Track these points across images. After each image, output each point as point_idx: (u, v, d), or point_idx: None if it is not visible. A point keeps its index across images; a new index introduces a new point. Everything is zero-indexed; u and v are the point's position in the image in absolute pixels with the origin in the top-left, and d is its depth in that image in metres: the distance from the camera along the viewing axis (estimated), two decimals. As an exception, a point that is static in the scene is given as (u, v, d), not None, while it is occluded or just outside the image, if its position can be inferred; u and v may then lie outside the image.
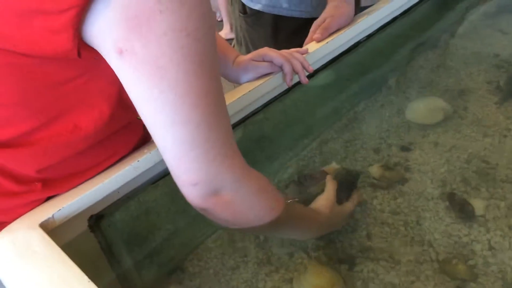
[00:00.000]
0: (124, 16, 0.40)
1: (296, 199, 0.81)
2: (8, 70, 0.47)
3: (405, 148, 1.00)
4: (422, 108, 1.10)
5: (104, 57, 0.44)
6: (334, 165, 0.92)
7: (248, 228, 0.60)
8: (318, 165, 0.98)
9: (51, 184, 0.59)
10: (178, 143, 0.47)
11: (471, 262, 0.76)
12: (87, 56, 0.44)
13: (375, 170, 0.93)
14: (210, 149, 0.48)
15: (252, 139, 0.96)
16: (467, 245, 0.79)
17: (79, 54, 0.44)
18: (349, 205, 0.80)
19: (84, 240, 0.66)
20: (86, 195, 0.63)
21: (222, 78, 0.89)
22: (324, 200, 0.75)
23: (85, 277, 0.52)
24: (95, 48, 0.44)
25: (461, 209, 0.84)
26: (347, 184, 0.86)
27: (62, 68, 0.48)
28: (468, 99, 1.15)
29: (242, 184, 0.53)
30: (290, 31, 1.24)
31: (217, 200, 0.52)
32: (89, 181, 0.64)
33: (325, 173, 0.87)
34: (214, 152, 0.48)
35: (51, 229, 0.60)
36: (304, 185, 0.86)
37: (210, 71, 0.45)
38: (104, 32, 0.41)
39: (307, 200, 0.78)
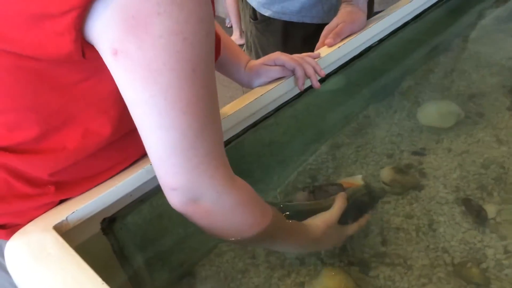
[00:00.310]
0: (121, 17, 0.40)
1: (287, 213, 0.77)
2: (17, 74, 0.47)
3: (417, 153, 0.99)
4: (435, 112, 1.09)
5: (102, 57, 0.44)
6: (358, 180, 0.85)
7: (229, 240, 0.61)
8: (331, 171, 0.97)
9: (64, 187, 0.60)
10: (161, 147, 0.47)
11: (483, 266, 0.75)
12: (92, 57, 0.44)
13: (387, 174, 0.92)
14: (193, 157, 0.47)
15: (264, 143, 0.96)
16: (480, 250, 0.78)
17: (83, 55, 0.43)
18: (352, 228, 0.76)
19: (96, 242, 0.66)
20: (99, 198, 0.63)
21: (233, 83, 0.89)
22: (325, 218, 0.71)
23: (99, 279, 0.52)
24: (96, 49, 0.44)
25: (477, 214, 0.83)
26: (363, 205, 0.82)
27: (69, 71, 0.48)
28: (480, 103, 1.13)
29: (222, 196, 0.52)
30: (300, 38, 1.24)
31: (195, 207, 0.52)
32: (102, 184, 0.65)
33: (341, 187, 0.81)
34: (196, 160, 0.48)
35: (65, 232, 0.61)
36: (314, 196, 0.82)
37: (203, 78, 0.45)
38: (102, 32, 0.41)
39: (311, 211, 0.76)
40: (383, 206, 0.88)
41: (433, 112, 1.10)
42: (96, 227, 0.66)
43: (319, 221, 0.71)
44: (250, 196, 0.57)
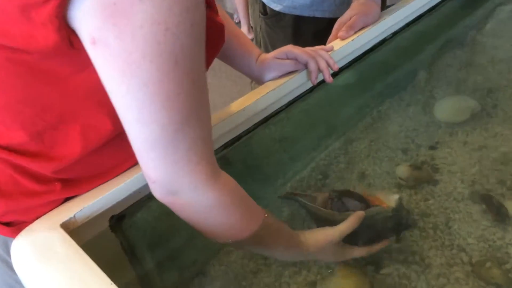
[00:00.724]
0: (101, 3, 0.37)
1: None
2: (8, 68, 0.45)
3: (433, 147, 0.97)
4: (450, 107, 1.07)
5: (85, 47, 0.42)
6: (391, 200, 0.73)
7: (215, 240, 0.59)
8: (343, 166, 0.95)
9: (70, 185, 0.58)
10: (140, 141, 0.45)
11: (507, 266, 0.73)
12: (82, 48, 0.42)
13: (402, 170, 0.90)
14: (172, 153, 0.46)
15: (275, 139, 0.94)
16: (501, 248, 0.75)
17: (72, 46, 0.42)
18: (358, 251, 0.70)
19: (105, 240, 0.65)
20: (108, 195, 0.62)
21: (242, 78, 0.87)
22: (326, 234, 0.66)
23: (107, 279, 0.50)
24: (80, 38, 0.42)
25: (497, 211, 0.80)
26: (384, 230, 0.71)
27: (61, 63, 0.46)
28: (497, 97, 1.10)
29: (199, 194, 0.51)
30: (311, 34, 1.21)
31: (174, 200, 0.51)
32: (111, 181, 0.63)
33: (365, 204, 0.71)
34: (176, 156, 0.46)
35: (72, 229, 0.59)
36: (332, 204, 0.72)
37: (187, 71, 0.42)
38: (82, 20, 0.39)
39: (322, 218, 0.72)
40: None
41: (449, 106, 1.07)
42: (104, 225, 0.64)
43: (320, 236, 0.66)
44: (232, 198, 0.55)
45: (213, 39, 0.53)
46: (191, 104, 0.44)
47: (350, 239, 0.66)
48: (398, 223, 0.71)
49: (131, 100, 0.42)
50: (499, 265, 0.73)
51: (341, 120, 1.06)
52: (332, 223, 0.68)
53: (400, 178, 0.89)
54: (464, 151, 0.95)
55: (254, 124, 0.81)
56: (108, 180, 0.62)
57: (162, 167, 0.47)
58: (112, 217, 0.65)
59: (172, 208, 0.54)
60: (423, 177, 0.89)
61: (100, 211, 0.62)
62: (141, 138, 0.45)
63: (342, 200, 0.70)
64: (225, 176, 0.55)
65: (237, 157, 0.81)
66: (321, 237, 0.66)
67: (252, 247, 0.65)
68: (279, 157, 0.96)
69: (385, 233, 0.71)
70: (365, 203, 0.70)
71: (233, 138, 0.78)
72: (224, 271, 0.80)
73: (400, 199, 0.72)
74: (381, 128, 1.05)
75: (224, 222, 0.56)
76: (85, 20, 0.39)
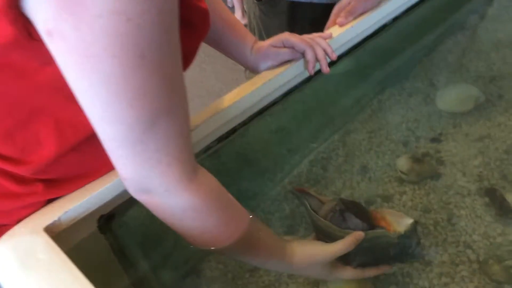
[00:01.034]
0: None
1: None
2: None
3: (435, 140, 0.93)
4: (453, 96, 1.03)
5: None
6: (401, 225, 0.64)
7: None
8: (341, 159, 0.91)
9: (53, 186, 0.55)
10: (107, 139, 0.42)
11: (509, 263, 0.70)
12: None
13: (403, 163, 0.86)
14: (141, 152, 0.42)
15: (271, 131, 0.90)
16: (502, 245, 0.73)
17: (31, 37, 0.38)
18: (352, 273, 0.64)
19: (93, 242, 0.62)
20: (96, 194, 0.58)
21: (239, 65, 0.83)
22: (316, 251, 0.61)
23: None
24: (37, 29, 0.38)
25: (501, 206, 0.77)
26: (384, 256, 0.64)
27: (24, 56, 0.42)
28: (501, 85, 1.07)
29: (173, 196, 0.47)
30: (307, 20, 1.16)
31: (148, 198, 0.48)
32: (97, 181, 0.59)
33: (367, 224, 0.64)
34: (145, 156, 0.43)
35: (57, 233, 0.56)
36: (334, 217, 0.65)
37: (156, 65, 0.38)
38: (37, 10, 0.35)
39: (321, 229, 0.66)
40: (400, 197, 0.82)
41: (452, 96, 1.03)
42: (92, 226, 0.61)
43: (308, 252, 0.61)
44: (210, 201, 0.51)
45: (195, 26, 0.50)
46: (161, 102, 0.40)
47: (343, 257, 0.61)
48: (402, 251, 0.64)
49: (94, 97, 0.38)
50: (500, 262, 0.70)
51: (340, 111, 1.03)
52: (329, 236, 0.63)
53: (401, 172, 0.85)
54: (468, 142, 0.92)
55: (249, 116, 0.78)
56: (94, 180, 0.59)
57: (131, 166, 0.44)
58: (101, 217, 0.62)
59: (147, 207, 0.51)
60: (425, 171, 0.86)
61: (88, 212, 0.59)
62: (107, 136, 0.42)
63: (343, 215, 0.63)
64: (204, 177, 0.51)
65: (232, 150, 0.79)
66: (309, 253, 0.60)
67: (235, 255, 0.61)
68: (276, 150, 0.93)
69: (384, 259, 0.64)
70: (368, 222, 0.63)
71: (228, 131, 0.75)
72: (220, 269, 0.77)
73: (414, 225, 0.63)
74: (381, 119, 1.01)
75: (200, 226, 0.52)
76: (40, 9, 0.35)
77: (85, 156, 0.54)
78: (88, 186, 0.59)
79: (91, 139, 0.50)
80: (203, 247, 0.56)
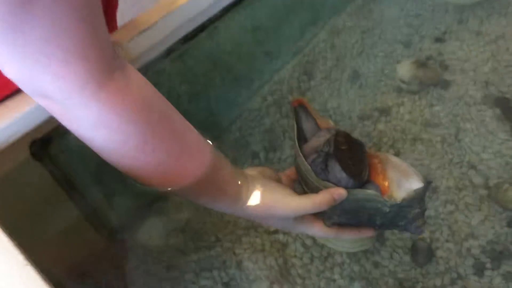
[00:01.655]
0: None
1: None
2: None
3: (440, 40, 0.83)
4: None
5: None
6: (411, 184, 0.47)
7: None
8: (330, 64, 0.80)
9: None
10: None
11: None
12: None
13: (405, 69, 0.76)
14: (20, 44, 0.33)
15: (247, 29, 0.79)
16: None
17: None
18: (319, 231, 0.51)
19: (26, 172, 0.57)
20: (25, 114, 0.51)
21: None
22: (275, 207, 0.48)
23: (21, 258, 0.39)
24: None
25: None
26: (368, 221, 0.49)
27: None
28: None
29: (77, 106, 0.37)
30: None
31: (48, 104, 0.38)
32: (23, 96, 0.51)
33: (358, 173, 0.48)
34: (26, 50, 0.34)
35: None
36: (315, 163, 0.49)
37: None
38: None
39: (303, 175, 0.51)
40: (398, 110, 0.72)
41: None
42: (24, 153, 0.55)
43: (267, 201, 0.49)
44: (135, 118, 0.39)
45: None
46: None
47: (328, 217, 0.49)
48: (392, 222, 0.49)
49: None
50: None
51: (326, 4, 0.89)
52: (306, 183, 0.50)
53: (401, 80, 0.74)
54: (478, 43, 0.81)
55: (220, 10, 0.69)
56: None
57: (14, 64, 0.35)
58: (34, 142, 0.55)
59: (53, 116, 0.40)
60: (429, 78, 0.76)
61: (16, 136, 0.51)
62: None
63: (326, 163, 0.47)
64: (130, 82, 0.39)
65: (200, 53, 0.71)
66: (267, 204, 0.49)
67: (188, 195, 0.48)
68: (253, 52, 0.81)
69: (368, 223, 0.50)
70: (358, 177, 0.47)
71: (195, 29, 0.67)
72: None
73: (422, 191, 0.46)
74: (375, 13, 0.88)
75: (125, 153, 0.40)
76: None
77: None
78: (11, 105, 0.50)
79: None
80: (142, 184, 0.44)
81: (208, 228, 0.69)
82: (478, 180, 0.64)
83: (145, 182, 0.43)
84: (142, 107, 0.39)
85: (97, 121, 0.38)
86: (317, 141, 0.50)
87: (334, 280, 0.61)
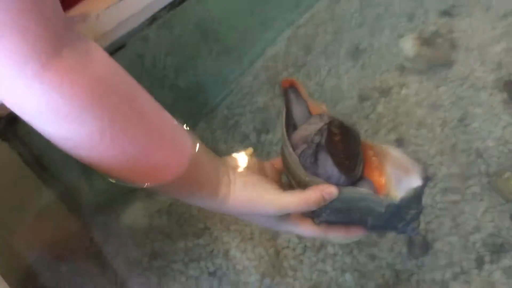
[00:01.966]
0: None
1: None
2: None
3: (447, 13, 0.79)
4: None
5: None
6: (412, 181, 0.43)
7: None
8: (330, 38, 0.76)
9: None
10: None
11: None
12: None
13: (409, 46, 0.73)
14: None
15: None
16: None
17: None
18: (305, 230, 0.47)
19: None
20: None
21: None
22: (258, 203, 0.44)
23: None
24: None
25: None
26: (364, 222, 0.45)
27: None
28: None
29: (19, 87, 0.33)
30: None
31: None
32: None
33: (351, 168, 0.44)
34: None
35: None
36: (304, 156, 0.44)
37: None
38: None
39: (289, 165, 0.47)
40: (399, 91, 0.68)
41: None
42: None
43: (248, 198, 0.45)
44: (87, 101, 0.34)
45: None
46: None
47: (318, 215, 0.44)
48: (387, 224, 0.45)
49: None
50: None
51: None
52: (293, 176, 0.45)
53: (405, 57, 0.70)
54: (489, 19, 0.77)
55: None
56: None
57: None
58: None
59: None
60: (434, 57, 0.72)
61: None
62: None
63: (316, 156, 0.42)
64: (78, 60, 0.34)
65: (188, 21, 0.69)
66: (249, 200, 0.45)
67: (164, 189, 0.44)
68: (246, 22, 0.78)
69: (360, 223, 0.45)
70: (351, 172, 0.43)
71: None
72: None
73: (421, 188, 0.42)
74: None
75: (75, 140, 0.36)
76: None
77: None
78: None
79: None
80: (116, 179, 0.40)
81: (194, 212, 0.65)
82: (483, 168, 0.61)
83: (115, 177, 0.39)
84: (98, 89, 0.35)
85: (42, 106, 0.34)
86: (307, 129, 0.44)
87: (326, 272, 0.58)
